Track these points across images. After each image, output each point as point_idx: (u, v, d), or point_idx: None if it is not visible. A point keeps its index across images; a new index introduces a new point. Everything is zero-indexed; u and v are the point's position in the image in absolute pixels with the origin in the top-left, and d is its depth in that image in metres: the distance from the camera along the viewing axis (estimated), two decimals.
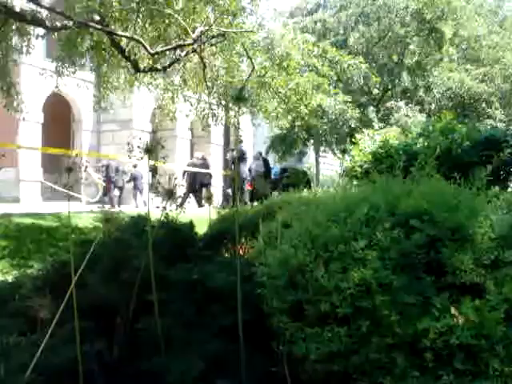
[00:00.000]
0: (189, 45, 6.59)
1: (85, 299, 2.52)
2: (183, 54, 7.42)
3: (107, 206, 18.84)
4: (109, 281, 2.56)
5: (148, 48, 6.43)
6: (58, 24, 6.66)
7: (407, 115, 19.65)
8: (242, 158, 17.36)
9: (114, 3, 6.86)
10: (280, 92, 9.60)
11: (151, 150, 2.45)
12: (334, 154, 22.84)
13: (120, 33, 6.10)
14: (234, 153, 17.68)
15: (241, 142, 16.61)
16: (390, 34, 21.67)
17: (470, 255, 2.11)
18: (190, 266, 2.64)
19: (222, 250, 3.79)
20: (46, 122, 22.95)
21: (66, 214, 10.33)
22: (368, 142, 11.02)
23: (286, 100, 9.66)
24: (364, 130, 21.19)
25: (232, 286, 2.48)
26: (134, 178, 21.02)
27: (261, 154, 21.05)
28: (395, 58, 21.96)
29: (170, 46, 6.96)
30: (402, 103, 20.81)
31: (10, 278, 6.25)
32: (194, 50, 7.01)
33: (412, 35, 21.81)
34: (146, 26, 6.90)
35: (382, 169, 9.95)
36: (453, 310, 2.00)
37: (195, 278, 2.53)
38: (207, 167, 18.40)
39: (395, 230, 2.22)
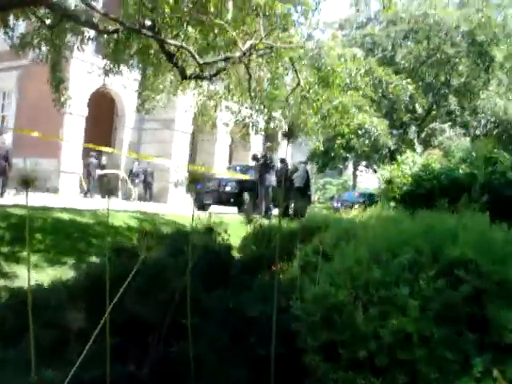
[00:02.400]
0: (238, 58, 6.62)
1: (119, 315, 2.53)
2: (230, 63, 7.45)
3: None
4: (144, 299, 2.56)
5: (197, 58, 6.48)
6: (110, 28, 6.77)
7: (450, 138, 19.29)
8: (267, 165, 17.44)
9: (165, 10, 6.93)
10: (322, 108, 9.54)
11: None
12: (375, 171, 22.62)
13: (170, 41, 6.16)
14: (260, 158, 17.89)
15: (269, 149, 16.69)
16: (438, 53, 21.32)
17: None
18: (226, 294, 2.62)
19: (259, 274, 3.77)
20: (89, 115, 23.38)
21: (102, 212, 10.48)
22: (410, 163, 10.87)
23: (328, 117, 9.60)
24: (406, 150, 20.92)
25: (268, 316, 2.45)
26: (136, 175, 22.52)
27: (305, 163, 20.89)
28: (442, 77, 21.61)
29: (218, 58, 7.00)
30: (446, 125, 20.42)
31: (43, 278, 6.38)
32: (241, 61, 7.03)
33: (461, 56, 21.44)
34: (196, 34, 6.95)
35: (421, 192, 9.87)
36: (495, 373, 1.92)
37: (231, 306, 2.51)
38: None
39: (439, 279, 2.17)
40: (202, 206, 19.37)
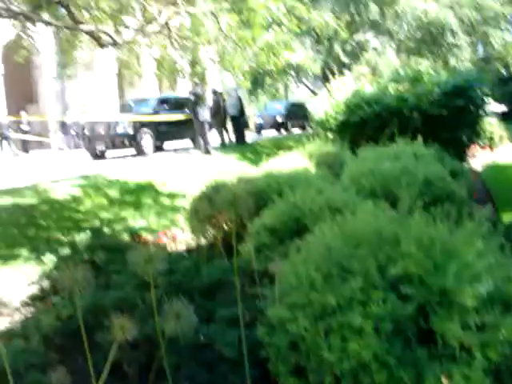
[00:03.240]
0: (156, 33, 6.42)
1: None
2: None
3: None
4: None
5: (116, 38, 6.26)
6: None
7: (376, 49, 19.43)
8: (197, 101, 17.41)
9: None
10: (247, 49, 9.48)
11: None
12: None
13: (84, 27, 5.90)
14: (191, 96, 17.78)
15: (196, 84, 16.45)
16: None
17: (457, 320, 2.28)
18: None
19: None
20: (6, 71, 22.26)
21: (42, 187, 10.26)
22: (341, 90, 11.04)
23: (255, 58, 9.54)
24: (335, 68, 20.97)
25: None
26: None
27: (236, 90, 20.58)
28: None
29: (136, 35, 6.77)
30: (370, 35, 20.51)
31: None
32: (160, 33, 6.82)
33: None
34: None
35: (355, 120, 10.09)
36: (444, 380, 2.18)
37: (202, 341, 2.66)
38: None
39: (388, 297, 2.37)
40: (96, 154, 18.70)
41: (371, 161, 6.15)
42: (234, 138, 20.25)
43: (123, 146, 18.25)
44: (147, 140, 18.38)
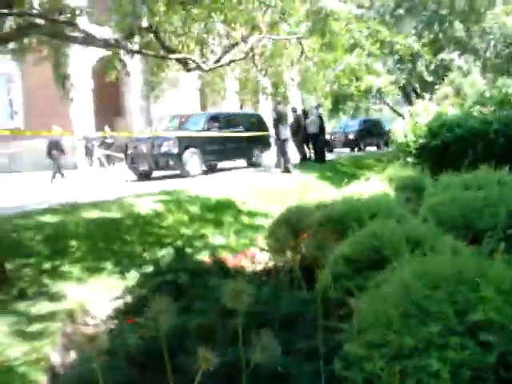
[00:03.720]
0: (241, 59, 6.66)
1: None
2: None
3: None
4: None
5: (201, 65, 6.53)
6: (109, 38, 6.82)
7: (461, 68, 18.95)
8: (279, 119, 17.22)
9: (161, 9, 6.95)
10: (329, 72, 9.59)
11: None
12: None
13: (172, 56, 6.21)
14: (274, 114, 17.57)
15: (278, 103, 16.40)
16: None
17: None
18: None
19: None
20: (94, 87, 23.42)
21: (126, 201, 10.74)
22: (424, 113, 10.89)
23: (337, 80, 9.62)
24: (418, 87, 20.57)
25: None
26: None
27: (317, 108, 20.45)
28: (445, 2, 20.97)
29: (223, 63, 7.03)
30: (455, 54, 20.02)
31: (87, 291, 6.73)
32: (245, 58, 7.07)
33: None
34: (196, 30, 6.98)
35: (437, 144, 9.92)
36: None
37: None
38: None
39: (467, 343, 2.37)
40: (142, 174, 17.10)
41: (453, 189, 6.06)
42: (313, 156, 20.25)
43: (167, 167, 16.74)
44: (194, 160, 16.70)
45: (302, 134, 19.59)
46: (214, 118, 18.54)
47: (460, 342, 2.37)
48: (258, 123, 20.33)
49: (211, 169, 18.53)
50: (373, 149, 27.81)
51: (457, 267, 2.82)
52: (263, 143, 20.13)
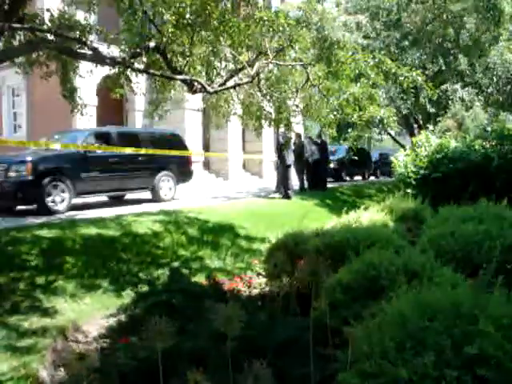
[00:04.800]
0: (246, 83, 6.73)
1: None
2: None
3: None
4: None
5: (206, 87, 6.58)
6: (115, 56, 6.89)
7: (463, 99, 19.09)
8: (285, 144, 17.15)
9: (169, 29, 7.02)
10: (333, 100, 9.65)
11: None
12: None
13: (178, 76, 6.26)
14: (281, 138, 17.49)
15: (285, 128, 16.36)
16: (444, 12, 20.92)
17: None
18: None
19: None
20: (99, 103, 23.53)
21: (126, 219, 10.71)
22: (425, 145, 10.93)
23: (340, 109, 9.67)
24: (420, 117, 20.72)
25: None
26: None
27: (320, 136, 20.56)
28: (450, 37, 21.22)
29: (228, 86, 7.10)
30: (458, 86, 20.18)
31: (81, 308, 6.67)
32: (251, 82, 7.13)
33: (468, 12, 20.98)
34: (202, 53, 7.05)
35: (438, 176, 9.93)
36: None
37: None
38: None
39: (463, 377, 2.34)
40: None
41: (452, 221, 6.04)
42: (312, 183, 20.18)
43: (14, 200, 11.58)
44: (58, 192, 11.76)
45: (304, 160, 19.55)
46: (100, 135, 13.72)
47: (456, 376, 2.35)
48: (174, 146, 15.58)
49: (114, 200, 14.50)
50: (358, 178, 25.83)
51: (454, 299, 2.80)
52: (179, 170, 15.50)
